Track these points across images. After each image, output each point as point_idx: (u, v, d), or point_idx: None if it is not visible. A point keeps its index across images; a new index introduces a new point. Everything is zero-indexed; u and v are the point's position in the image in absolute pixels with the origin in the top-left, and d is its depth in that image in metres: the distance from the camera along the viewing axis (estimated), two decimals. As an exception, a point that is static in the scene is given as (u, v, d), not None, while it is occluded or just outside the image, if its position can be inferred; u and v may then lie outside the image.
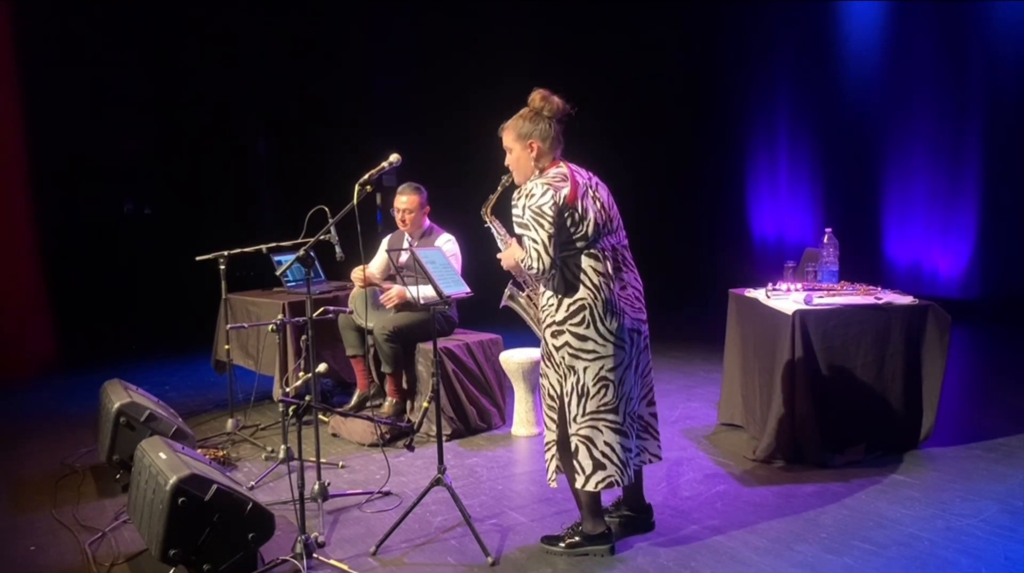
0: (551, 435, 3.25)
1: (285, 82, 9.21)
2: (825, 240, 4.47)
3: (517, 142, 3.16)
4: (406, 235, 4.98)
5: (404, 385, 4.87)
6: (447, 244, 4.81)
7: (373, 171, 3.50)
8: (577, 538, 3.25)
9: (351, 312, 4.85)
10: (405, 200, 4.89)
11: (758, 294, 4.53)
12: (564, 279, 3.09)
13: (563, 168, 3.13)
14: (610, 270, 3.10)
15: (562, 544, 3.27)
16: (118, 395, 4.11)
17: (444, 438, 4.00)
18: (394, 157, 3.57)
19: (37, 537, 3.59)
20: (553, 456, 3.25)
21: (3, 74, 7.34)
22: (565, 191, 3.05)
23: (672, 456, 4.30)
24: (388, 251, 4.39)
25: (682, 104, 10.14)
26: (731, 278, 6.28)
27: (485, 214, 3.42)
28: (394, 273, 4.82)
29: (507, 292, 3.46)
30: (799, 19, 9.26)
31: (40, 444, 4.94)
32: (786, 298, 4.32)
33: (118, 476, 4.09)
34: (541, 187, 3.04)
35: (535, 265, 3.03)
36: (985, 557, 3.10)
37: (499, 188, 3.36)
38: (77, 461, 4.53)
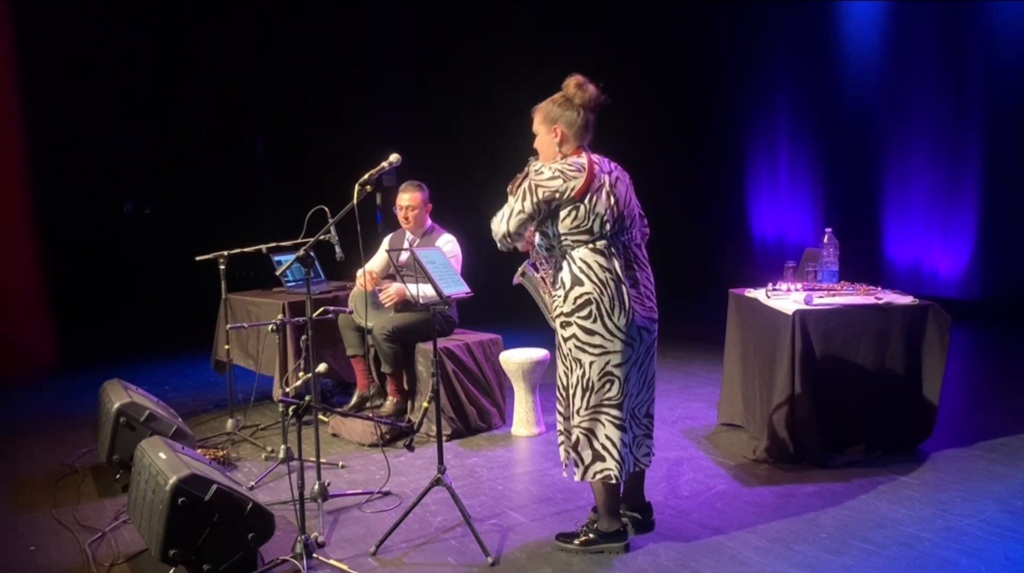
0: (560, 426, 3.26)
1: (285, 82, 9.21)
2: (825, 240, 4.47)
3: (543, 125, 3.17)
4: (407, 234, 4.99)
5: (404, 385, 4.87)
6: (448, 245, 4.81)
7: (373, 171, 3.50)
8: (592, 536, 3.25)
9: (351, 312, 4.85)
10: (408, 198, 4.89)
11: (758, 294, 4.53)
12: (569, 271, 3.10)
13: (583, 159, 3.10)
14: (618, 267, 3.09)
15: (576, 541, 3.26)
16: (118, 395, 4.11)
17: (444, 438, 4.00)
18: (394, 157, 3.57)
19: (37, 537, 3.59)
20: (562, 444, 3.26)
21: (3, 74, 7.34)
22: (575, 184, 3.03)
23: (672, 456, 4.31)
24: (388, 251, 4.39)
25: (682, 104, 10.13)
26: (731, 278, 6.28)
27: (511, 192, 3.37)
28: (394, 272, 4.82)
29: (521, 269, 3.40)
30: (799, 19, 9.25)
31: (40, 444, 4.94)
32: (786, 298, 4.32)
33: (118, 476, 4.09)
34: (551, 171, 3.06)
35: (494, 226, 3.16)
36: (985, 557, 3.10)
37: (526, 169, 3.30)
38: (77, 461, 4.53)
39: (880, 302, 4.18)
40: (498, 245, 3.26)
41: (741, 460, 4.24)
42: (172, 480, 2.92)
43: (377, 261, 5.04)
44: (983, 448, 4.29)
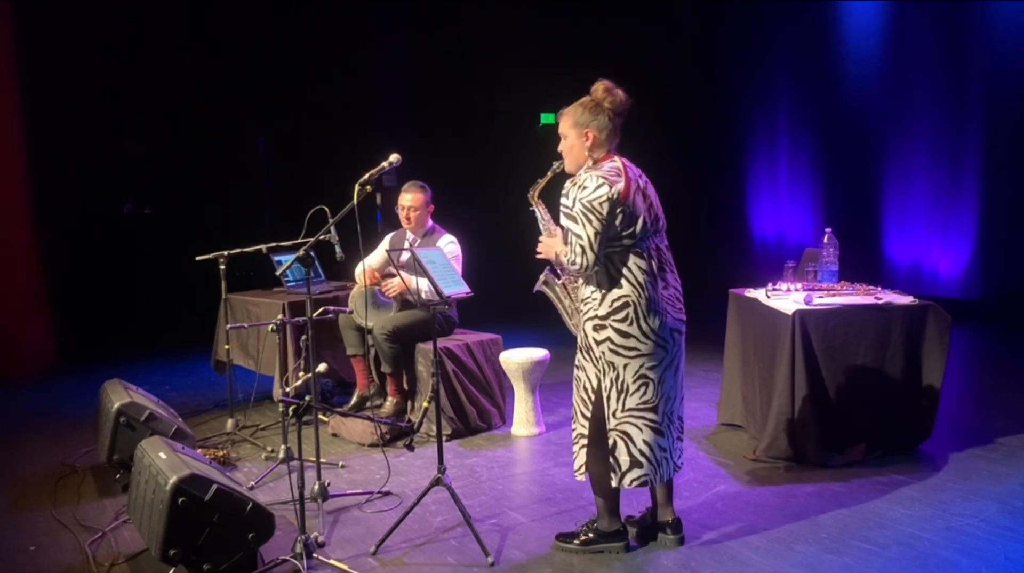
0: (581, 429, 3.21)
1: (285, 82, 9.21)
2: (825, 240, 4.47)
3: (573, 129, 3.12)
4: (408, 234, 4.98)
5: (404, 385, 4.87)
6: (449, 246, 4.81)
7: (373, 171, 3.50)
8: (592, 535, 3.25)
9: (351, 312, 4.85)
10: (410, 198, 4.89)
11: (758, 294, 4.53)
12: (608, 274, 3.06)
13: (617, 163, 3.09)
14: (654, 269, 3.09)
15: (576, 541, 3.26)
16: (118, 395, 4.11)
17: (444, 438, 4.00)
18: (394, 157, 3.57)
19: (37, 537, 3.59)
20: (583, 448, 3.21)
21: (3, 73, 7.33)
22: (619, 186, 3.00)
23: (672, 456, 4.30)
24: (389, 251, 4.39)
25: (682, 104, 10.13)
26: (731, 278, 6.27)
27: (532, 198, 3.34)
28: (394, 272, 4.82)
29: (542, 277, 3.39)
30: (799, 19, 9.26)
31: (40, 444, 4.94)
32: (786, 298, 4.32)
33: (118, 476, 4.09)
34: (596, 180, 3.00)
35: (578, 261, 3.00)
36: (985, 557, 3.10)
37: (549, 174, 3.29)
38: (77, 461, 4.53)
39: (880, 302, 4.18)
40: (584, 274, 3.11)
41: (741, 460, 4.24)
42: (172, 480, 2.92)
43: (376, 257, 5.04)
44: (983, 448, 4.29)
